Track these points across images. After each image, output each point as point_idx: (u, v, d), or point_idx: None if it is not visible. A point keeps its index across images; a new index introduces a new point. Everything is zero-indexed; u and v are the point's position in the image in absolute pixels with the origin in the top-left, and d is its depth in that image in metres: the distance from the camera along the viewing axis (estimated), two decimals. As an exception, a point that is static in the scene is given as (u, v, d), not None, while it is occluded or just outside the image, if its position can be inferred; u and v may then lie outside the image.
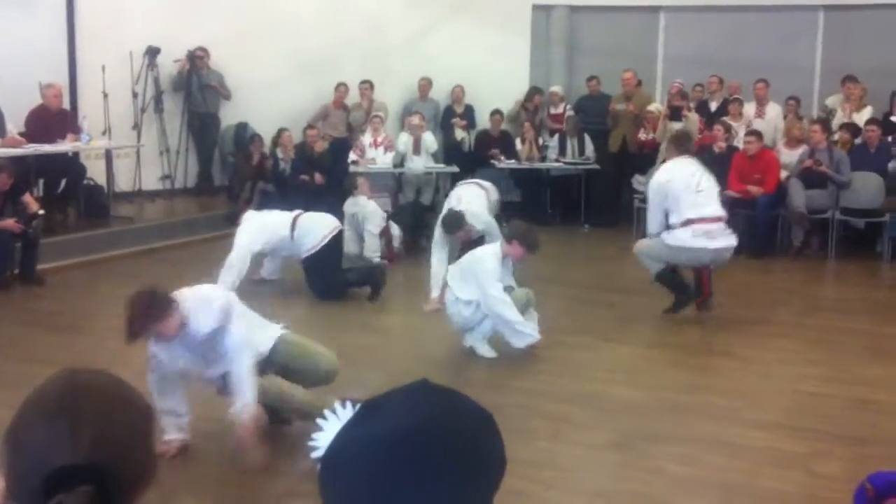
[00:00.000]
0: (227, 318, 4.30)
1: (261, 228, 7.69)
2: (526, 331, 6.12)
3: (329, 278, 7.83)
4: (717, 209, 6.96)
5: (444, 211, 7.98)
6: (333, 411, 1.23)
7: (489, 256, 6.21)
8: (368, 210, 9.40)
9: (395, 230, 9.61)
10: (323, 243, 7.75)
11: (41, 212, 8.40)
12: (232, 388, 4.33)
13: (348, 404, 1.21)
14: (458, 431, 1.07)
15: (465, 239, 7.76)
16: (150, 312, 4.14)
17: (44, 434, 1.16)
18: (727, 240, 6.98)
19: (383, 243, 9.42)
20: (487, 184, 8.79)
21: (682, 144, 7.32)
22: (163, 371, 4.45)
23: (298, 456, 4.33)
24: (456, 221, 7.60)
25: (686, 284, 7.18)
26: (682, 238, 6.82)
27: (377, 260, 9.04)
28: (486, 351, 6.25)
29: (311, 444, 1.22)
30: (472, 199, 8.09)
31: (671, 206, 6.88)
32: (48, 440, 1.15)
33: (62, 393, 1.20)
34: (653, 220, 7.09)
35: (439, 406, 1.11)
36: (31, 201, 8.37)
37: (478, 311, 6.18)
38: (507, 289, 6.20)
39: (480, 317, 6.21)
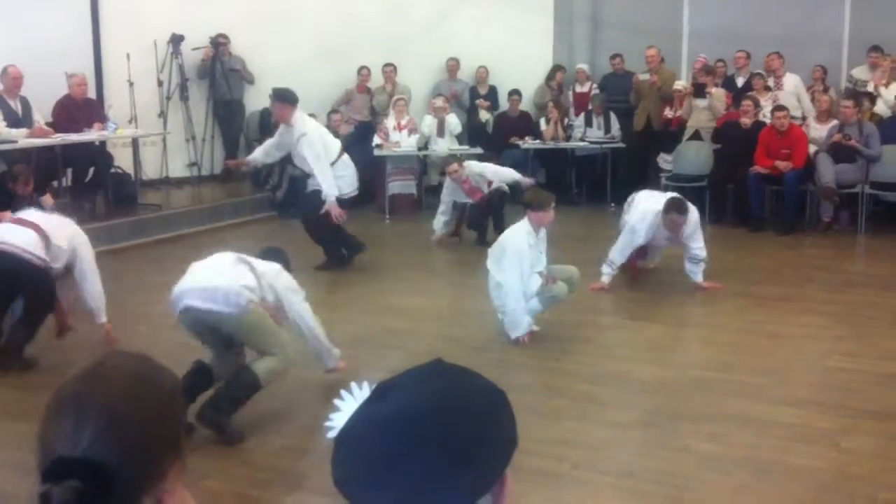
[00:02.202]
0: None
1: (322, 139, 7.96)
2: (523, 322, 6.04)
3: (327, 226, 7.99)
4: None
5: None
6: (350, 392, 1.24)
7: (519, 234, 6.13)
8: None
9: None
10: (348, 195, 8.04)
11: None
12: None
13: (364, 385, 1.23)
14: (463, 410, 1.09)
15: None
16: None
17: (54, 425, 1.16)
18: None
19: (455, 216, 9.62)
20: None
21: None
22: None
23: (319, 436, 4.36)
24: None
25: None
26: None
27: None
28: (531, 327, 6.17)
29: (327, 424, 1.24)
30: None
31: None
32: (56, 431, 1.15)
33: (80, 383, 1.19)
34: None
35: (448, 384, 1.12)
36: (52, 204, 8.33)
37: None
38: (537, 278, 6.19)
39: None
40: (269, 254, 5.24)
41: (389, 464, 1.05)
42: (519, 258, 6.04)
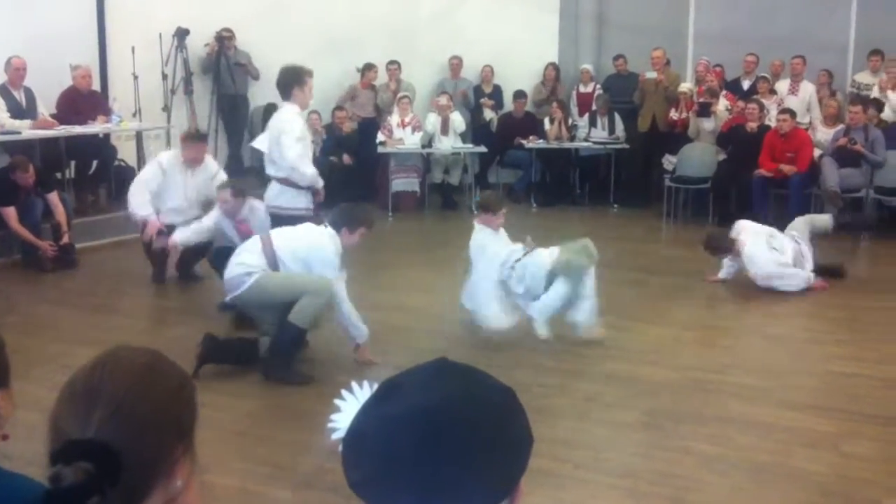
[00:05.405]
0: None
1: None
2: (492, 312, 6.09)
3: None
4: None
5: None
6: (351, 391, 1.23)
7: (479, 233, 6.18)
8: None
9: None
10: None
11: (66, 232, 8.27)
12: None
13: (365, 384, 1.21)
14: (479, 407, 1.06)
15: None
16: None
17: (66, 410, 1.20)
18: None
19: None
20: None
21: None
22: None
23: (325, 433, 4.36)
24: None
25: None
26: None
27: None
28: (543, 330, 6.14)
29: (330, 424, 1.22)
30: None
31: None
32: (67, 415, 1.19)
33: (91, 372, 1.23)
34: None
35: (459, 383, 1.10)
36: (56, 204, 8.26)
37: (518, 279, 6.16)
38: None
39: (532, 281, 6.14)
40: (331, 217, 5.56)
41: (407, 464, 1.02)
42: (487, 247, 6.09)
